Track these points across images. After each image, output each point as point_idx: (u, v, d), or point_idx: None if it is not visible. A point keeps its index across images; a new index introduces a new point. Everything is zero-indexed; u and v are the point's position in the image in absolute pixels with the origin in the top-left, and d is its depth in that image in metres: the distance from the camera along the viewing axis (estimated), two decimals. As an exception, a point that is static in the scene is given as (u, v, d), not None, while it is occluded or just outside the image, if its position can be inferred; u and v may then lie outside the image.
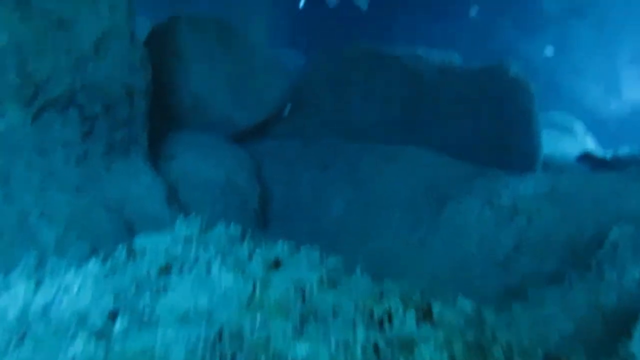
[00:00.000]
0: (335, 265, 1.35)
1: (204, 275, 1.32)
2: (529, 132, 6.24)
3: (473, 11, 10.08)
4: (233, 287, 1.26)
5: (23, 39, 2.51)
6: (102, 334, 1.15)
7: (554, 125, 8.66)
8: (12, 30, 2.45)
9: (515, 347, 1.14)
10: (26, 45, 2.52)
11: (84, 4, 2.78)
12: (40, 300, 1.29)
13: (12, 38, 2.45)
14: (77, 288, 1.30)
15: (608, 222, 2.80)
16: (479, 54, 8.39)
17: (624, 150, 6.91)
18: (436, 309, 1.11)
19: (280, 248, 1.43)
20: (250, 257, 1.41)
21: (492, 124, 6.09)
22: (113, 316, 1.20)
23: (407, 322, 1.09)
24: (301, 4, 8.08)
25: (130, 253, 1.43)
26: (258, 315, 1.12)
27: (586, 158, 6.02)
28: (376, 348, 1.05)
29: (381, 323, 1.10)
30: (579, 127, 9.11)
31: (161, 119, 4.27)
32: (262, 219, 4.88)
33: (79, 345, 1.10)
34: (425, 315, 1.11)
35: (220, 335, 1.09)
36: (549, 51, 10.26)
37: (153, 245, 1.48)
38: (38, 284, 1.38)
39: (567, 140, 8.37)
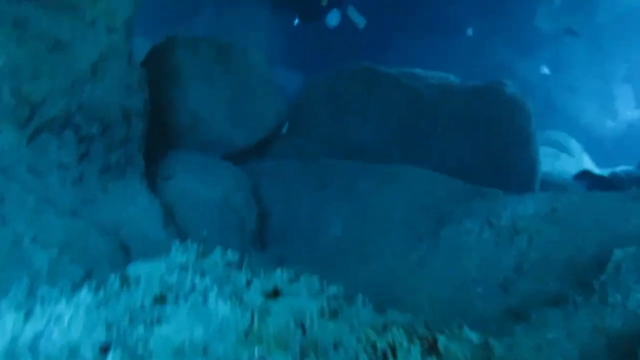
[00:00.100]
0: (336, 294, 1.31)
1: (200, 305, 1.28)
2: (526, 150, 6.25)
3: (469, 31, 10.20)
4: (230, 318, 1.22)
5: (19, 61, 2.49)
6: (94, 368, 1.10)
7: (551, 144, 8.71)
8: (9, 52, 2.44)
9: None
10: (22, 68, 2.51)
11: (81, 26, 2.77)
12: (29, 332, 1.25)
13: (8, 60, 2.44)
14: (68, 319, 1.25)
15: (610, 242, 2.78)
16: (475, 73, 8.46)
17: (621, 169, 6.92)
18: (442, 342, 1.07)
19: (279, 276, 1.39)
20: (248, 285, 1.37)
21: (490, 143, 6.11)
22: (105, 349, 1.16)
23: (411, 356, 1.05)
24: (296, 21, 8.15)
25: (124, 281, 1.39)
26: (256, 349, 1.08)
27: (583, 176, 6.02)
28: (379, 382, 1.01)
29: (385, 357, 1.06)
30: (575, 145, 9.16)
31: (158, 138, 4.25)
32: (260, 239, 4.83)
33: (69, 381, 1.05)
34: (431, 348, 1.07)
35: (216, 369, 1.05)
36: (545, 69, 10.37)
37: (147, 273, 1.43)
38: (28, 314, 1.33)
39: (565, 159, 8.40)
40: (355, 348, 1.06)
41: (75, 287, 1.45)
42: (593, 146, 9.68)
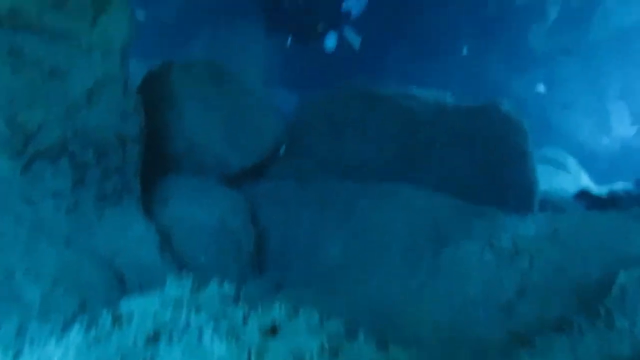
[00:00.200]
0: (336, 330, 1.27)
1: (195, 344, 1.23)
2: (524, 169, 6.24)
3: (465, 49, 10.31)
4: (226, 357, 1.17)
5: (14, 91, 2.48)
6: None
7: (548, 161, 8.71)
8: (4, 82, 2.43)
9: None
10: (17, 97, 2.49)
11: (77, 53, 2.77)
12: (17, 375, 1.19)
13: (3, 90, 2.42)
14: (58, 361, 1.20)
15: (614, 264, 2.73)
16: (471, 92, 8.51)
17: (619, 186, 6.91)
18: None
19: (278, 311, 1.34)
20: (245, 321, 1.32)
21: (488, 162, 6.10)
22: (96, 394, 1.10)
23: (416, 400, 1.00)
24: (288, 41, 8.22)
25: (116, 319, 1.34)
26: (254, 392, 1.03)
27: (583, 196, 6.00)
28: None
29: (388, 400, 1.01)
30: (572, 163, 9.17)
31: (154, 163, 4.22)
32: (258, 262, 4.78)
33: None
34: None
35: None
36: (541, 88, 10.45)
37: (141, 309, 1.39)
38: (16, 355, 1.28)
39: (562, 176, 8.39)
40: (358, 390, 1.01)
41: (66, 325, 1.40)
42: (589, 163, 9.69)
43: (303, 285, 4.69)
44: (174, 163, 4.68)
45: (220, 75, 5.07)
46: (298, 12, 7.69)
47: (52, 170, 2.71)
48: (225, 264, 4.21)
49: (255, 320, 1.31)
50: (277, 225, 5.07)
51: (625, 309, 2.31)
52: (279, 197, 5.37)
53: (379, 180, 5.66)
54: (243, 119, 5.16)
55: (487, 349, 2.94)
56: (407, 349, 1.16)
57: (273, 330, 1.26)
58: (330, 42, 8.00)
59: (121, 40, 2.97)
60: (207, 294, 1.48)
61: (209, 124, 4.80)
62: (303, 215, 5.14)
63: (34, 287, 2.25)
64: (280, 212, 5.17)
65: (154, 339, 1.26)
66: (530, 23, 10.54)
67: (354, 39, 8.38)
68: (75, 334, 1.29)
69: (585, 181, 8.64)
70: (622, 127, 11.24)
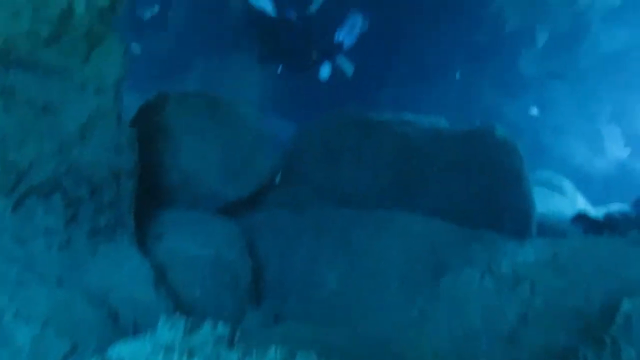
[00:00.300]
0: (335, 375, 1.22)
1: (189, 392, 1.18)
2: (520, 192, 6.23)
3: (458, 74, 10.45)
4: (222, 407, 1.12)
5: (6, 129, 2.46)
6: None
7: (544, 184, 8.72)
8: (-5, 120, 2.41)
9: None
10: (8, 135, 2.47)
11: (70, 88, 2.76)
12: None
13: (-6, 128, 2.40)
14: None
15: (616, 291, 2.69)
16: (465, 117, 8.57)
17: (615, 208, 6.90)
18: None
19: (273, 355, 1.30)
20: (240, 366, 1.27)
21: (483, 186, 6.09)
22: None
23: None
24: (279, 69, 8.32)
25: (107, 367, 1.29)
26: None
27: (580, 219, 5.99)
28: None
29: None
30: (567, 185, 9.18)
31: (149, 196, 4.19)
32: (256, 294, 4.71)
33: None
34: None
35: None
36: (534, 111, 10.56)
37: (131, 356, 1.33)
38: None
39: (558, 199, 8.39)
40: None
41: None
42: (584, 185, 9.72)
43: (301, 316, 4.61)
44: (169, 195, 4.65)
45: (215, 106, 5.08)
46: (293, 42, 7.79)
47: (44, 207, 2.67)
48: (221, 298, 4.14)
49: (251, 366, 1.26)
50: (274, 254, 5.01)
51: (631, 337, 2.26)
52: (275, 227, 5.32)
53: (375, 207, 5.63)
54: (238, 149, 5.15)
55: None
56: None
57: (270, 377, 1.21)
58: (325, 71, 8.10)
59: (115, 75, 2.97)
60: (200, 337, 1.43)
61: (204, 156, 4.78)
62: (300, 244, 5.09)
63: (25, 329, 2.18)
64: (276, 242, 5.12)
65: (145, 387, 1.21)
66: (519, 49, 10.72)
67: (347, 67, 8.48)
68: (64, 384, 1.24)
69: (582, 203, 8.64)
70: (615, 149, 11.34)
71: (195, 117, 4.84)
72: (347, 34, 8.02)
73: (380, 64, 10.30)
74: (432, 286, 4.06)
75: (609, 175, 11.13)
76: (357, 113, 6.53)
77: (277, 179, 6.14)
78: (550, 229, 6.46)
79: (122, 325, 2.91)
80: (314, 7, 7.99)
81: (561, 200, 8.34)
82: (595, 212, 7.20)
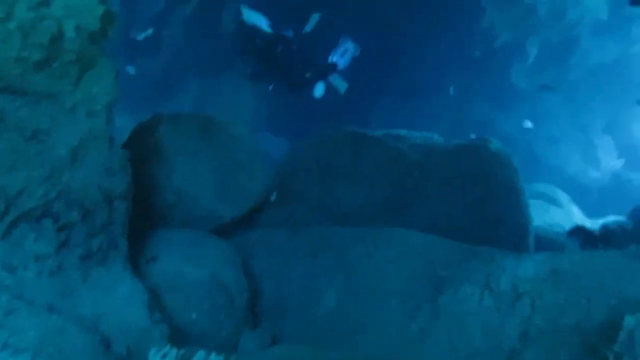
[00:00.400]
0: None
1: None
2: (516, 205, 6.22)
3: (451, 89, 10.52)
4: None
5: (-6, 155, 2.42)
6: None
7: (539, 196, 8.73)
8: (-16, 146, 2.37)
9: None
10: (-2, 161, 2.43)
11: (61, 112, 2.74)
12: None
13: (-18, 154, 2.36)
14: None
15: (617, 306, 2.66)
16: (458, 131, 8.61)
17: (612, 219, 6.88)
18: None
19: (271, 386, 1.25)
20: (236, 399, 1.22)
21: (479, 200, 6.07)
22: None
23: None
24: (270, 87, 8.36)
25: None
26: None
27: (577, 232, 5.97)
28: None
29: None
30: (563, 196, 9.20)
31: (143, 218, 4.14)
32: (253, 315, 4.63)
33: None
34: None
35: None
36: (528, 124, 10.62)
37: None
38: None
39: (554, 211, 8.39)
40: None
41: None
42: (579, 196, 9.74)
43: (300, 336, 4.53)
44: (163, 217, 4.60)
45: (208, 126, 5.07)
46: (289, 58, 7.83)
47: (35, 233, 2.62)
48: (218, 320, 4.07)
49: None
50: (271, 274, 4.94)
51: (635, 354, 2.22)
52: (271, 246, 5.27)
53: (371, 223, 5.59)
54: (232, 169, 5.12)
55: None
56: None
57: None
58: (318, 90, 8.15)
59: (106, 97, 2.95)
60: (194, 368, 1.38)
61: (197, 176, 4.75)
62: (296, 263, 5.03)
63: (14, 361, 2.12)
64: (273, 261, 5.06)
65: None
66: (511, 62, 10.83)
67: (340, 84, 8.52)
68: None
69: (577, 215, 8.64)
70: (609, 160, 11.40)
71: (189, 138, 4.82)
72: (340, 57, 8.10)
73: (373, 81, 10.36)
74: (432, 303, 4.01)
75: (603, 186, 11.18)
76: (351, 130, 6.53)
77: (272, 197, 6.10)
78: (547, 242, 6.43)
79: (114, 352, 2.84)
80: (308, 28, 8.06)
81: (557, 213, 8.33)
82: (592, 224, 7.19)
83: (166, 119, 4.78)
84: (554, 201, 8.85)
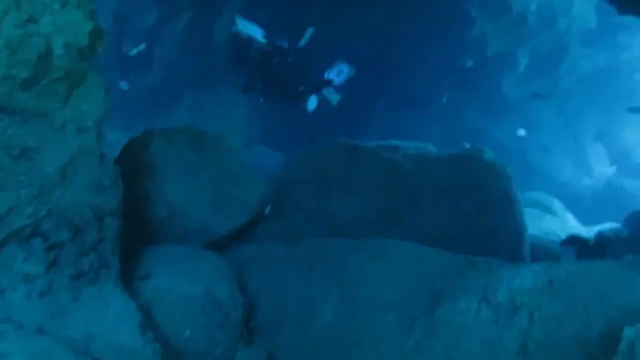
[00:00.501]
0: None
1: None
2: (511, 214, 6.22)
3: (444, 98, 10.58)
4: None
5: (-19, 174, 2.38)
6: None
7: (534, 205, 8.74)
8: (-29, 166, 2.33)
9: None
10: (-15, 181, 2.39)
11: (49, 130, 2.70)
12: None
13: (-31, 174, 2.32)
14: None
15: (616, 317, 2.63)
16: (452, 141, 8.63)
17: (607, 227, 6.89)
18: None
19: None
20: None
21: (473, 210, 6.07)
22: None
23: None
24: (261, 99, 8.37)
25: None
26: None
27: (572, 241, 5.97)
28: None
29: None
30: (557, 204, 9.22)
31: (135, 234, 4.08)
32: (248, 330, 4.57)
33: None
34: None
35: None
36: (521, 132, 10.69)
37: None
38: None
39: (549, 219, 8.40)
40: None
41: None
42: (573, 203, 9.78)
43: (296, 352, 4.47)
44: (156, 232, 4.55)
45: (201, 140, 5.04)
46: (284, 69, 7.84)
47: (24, 253, 2.57)
48: (212, 337, 4.00)
49: None
50: (266, 288, 4.89)
51: (635, 367, 2.19)
52: (266, 259, 5.22)
53: (366, 234, 5.56)
54: (226, 182, 5.09)
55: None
56: None
57: None
58: (312, 103, 8.16)
59: (96, 114, 2.91)
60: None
61: (191, 190, 4.71)
62: (292, 277, 4.98)
63: (0, 387, 2.06)
64: (268, 275, 5.00)
65: None
66: (502, 72, 10.91)
67: (333, 96, 8.53)
68: None
69: (572, 223, 8.65)
70: (602, 167, 11.47)
71: (181, 151, 4.79)
72: (335, 76, 8.13)
73: (367, 93, 10.40)
74: (428, 316, 3.97)
75: (597, 192, 11.23)
76: (344, 141, 6.53)
77: (267, 210, 6.07)
78: (542, 251, 6.43)
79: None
80: (303, 42, 8.09)
81: (552, 221, 8.34)
82: (587, 231, 7.20)
83: (158, 133, 4.75)
84: (548, 209, 8.87)
